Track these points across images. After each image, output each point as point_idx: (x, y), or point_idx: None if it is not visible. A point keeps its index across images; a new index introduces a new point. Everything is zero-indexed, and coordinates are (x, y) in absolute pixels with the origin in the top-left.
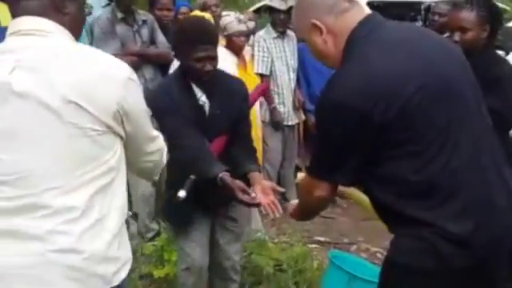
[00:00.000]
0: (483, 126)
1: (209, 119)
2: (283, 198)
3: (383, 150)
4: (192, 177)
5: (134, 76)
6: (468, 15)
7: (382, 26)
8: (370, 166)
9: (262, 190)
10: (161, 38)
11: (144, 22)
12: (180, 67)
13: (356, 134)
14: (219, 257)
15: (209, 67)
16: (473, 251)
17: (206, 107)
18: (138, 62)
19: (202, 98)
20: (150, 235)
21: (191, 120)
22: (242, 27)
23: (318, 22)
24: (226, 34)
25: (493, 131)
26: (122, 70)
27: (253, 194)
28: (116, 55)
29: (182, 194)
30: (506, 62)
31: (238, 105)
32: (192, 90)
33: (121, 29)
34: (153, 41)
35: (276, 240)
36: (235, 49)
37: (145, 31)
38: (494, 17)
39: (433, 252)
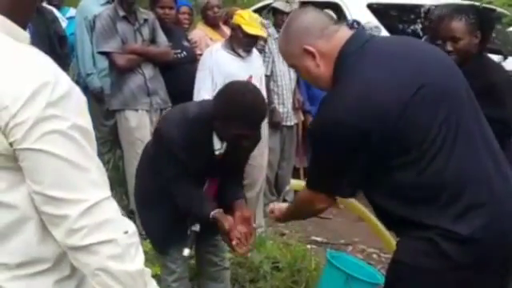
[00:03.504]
0: (479, 126)
1: (216, 164)
2: (283, 200)
3: (385, 161)
4: (194, 228)
5: None
6: (458, 25)
7: (369, 41)
8: (373, 177)
9: (241, 219)
10: (162, 37)
11: (145, 20)
12: (211, 116)
13: (355, 150)
14: (207, 255)
15: (245, 144)
16: (477, 249)
17: (219, 155)
18: (139, 60)
19: (218, 147)
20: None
21: (195, 165)
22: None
23: (310, 48)
24: None
25: (490, 132)
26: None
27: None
28: (116, 53)
29: (186, 252)
30: (501, 68)
31: (250, 150)
32: (211, 139)
33: (122, 27)
34: (153, 40)
35: (271, 242)
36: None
37: (146, 30)
38: (484, 22)
39: (438, 252)
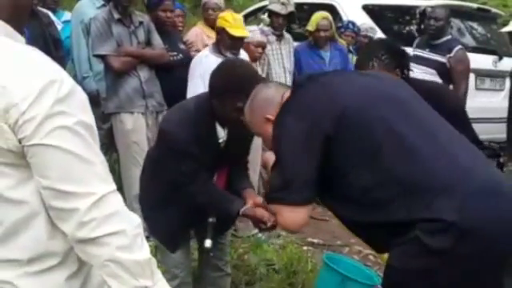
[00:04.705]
0: (440, 125)
1: (222, 154)
2: None
3: (341, 165)
4: (212, 220)
5: None
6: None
7: (316, 75)
8: (334, 192)
9: (254, 206)
10: (157, 39)
11: (140, 23)
12: (209, 104)
13: (309, 141)
14: (212, 259)
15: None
16: (459, 234)
17: (222, 143)
18: (134, 62)
19: (221, 135)
20: (144, 234)
21: (206, 158)
22: (264, 39)
23: (271, 117)
24: (245, 40)
25: (454, 131)
26: None
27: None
28: (112, 55)
29: (208, 243)
30: (451, 91)
31: (251, 138)
32: (215, 129)
33: (117, 29)
34: (149, 42)
35: (267, 244)
36: (249, 57)
37: (141, 32)
38: (397, 57)
39: (424, 251)
